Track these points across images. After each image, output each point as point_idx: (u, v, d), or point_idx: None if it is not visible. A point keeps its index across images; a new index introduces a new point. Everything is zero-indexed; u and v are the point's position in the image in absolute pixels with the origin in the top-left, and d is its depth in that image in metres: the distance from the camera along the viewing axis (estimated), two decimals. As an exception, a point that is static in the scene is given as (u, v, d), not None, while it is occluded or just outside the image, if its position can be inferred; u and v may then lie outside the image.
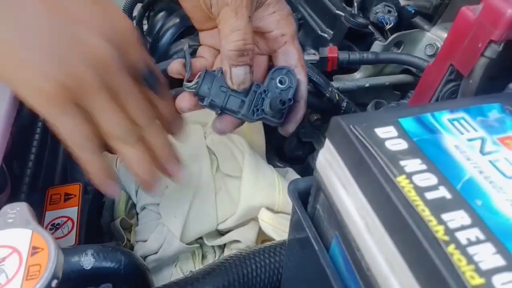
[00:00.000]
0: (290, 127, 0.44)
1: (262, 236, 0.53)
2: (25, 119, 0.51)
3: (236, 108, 0.41)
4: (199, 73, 0.40)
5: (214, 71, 0.41)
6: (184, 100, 0.42)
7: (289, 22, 0.41)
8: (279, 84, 0.41)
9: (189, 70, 0.41)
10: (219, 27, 0.38)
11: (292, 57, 0.42)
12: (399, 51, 0.64)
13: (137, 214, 0.56)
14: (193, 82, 0.40)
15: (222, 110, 0.41)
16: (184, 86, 0.41)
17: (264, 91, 0.41)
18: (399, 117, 0.23)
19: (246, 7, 0.37)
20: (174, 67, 0.42)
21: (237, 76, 0.39)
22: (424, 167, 0.20)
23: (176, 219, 0.50)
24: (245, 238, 0.51)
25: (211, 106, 0.41)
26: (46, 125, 0.55)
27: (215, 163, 0.55)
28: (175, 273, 0.52)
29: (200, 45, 0.45)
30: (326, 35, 0.68)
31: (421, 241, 0.17)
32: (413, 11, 0.64)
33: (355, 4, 0.68)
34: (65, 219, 0.49)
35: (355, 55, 0.60)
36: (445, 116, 0.23)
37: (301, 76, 0.43)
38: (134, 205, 0.57)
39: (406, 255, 0.18)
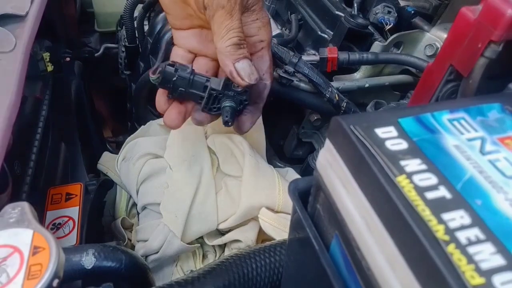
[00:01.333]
0: (245, 127, 0.46)
1: (262, 235, 0.53)
2: (26, 119, 0.52)
3: (197, 100, 0.44)
4: (159, 69, 0.42)
5: (172, 65, 0.43)
6: (171, 118, 0.45)
7: (268, 30, 0.44)
8: (234, 88, 0.43)
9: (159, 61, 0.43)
10: (213, 28, 0.40)
11: (265, 63, 0.45)
12: (399, 51, 0.64)
13: (138, 213, 0.57)
14: (156, 76, 0.42)
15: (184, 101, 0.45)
16: (149, 77, 0.43)
17: (220, 93, 0.43)
18: (399, 117, 0.23)
19: (239, 10, 0.39)
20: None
21: (243, 69, 0.40)
22: (424, 167, 0.20)
23: (177, 219, 0.50)
24: (245, 238, 0.51)
25: (173, 97, 0.44)
26: (47, 125, 0.56)
27: (216, 163, 0.55)
28: (176, 273, 0.53)
29: (173, 44, 0.47)
30: (326, 36, 0.68)
31: (421, 241, 0.17)
32: (412, 12, 0.64)
33: (355, 5, 0.68)
34: (66, 218, 0.49)
35: (355, 56, 0.60)
36: (445, 116, 0.23)
37: (268, 82, 0.46)
38: (135, 205, 0.58)
39: (406, 255, 0.18)
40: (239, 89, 0.43)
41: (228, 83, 0.43)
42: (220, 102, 0.44)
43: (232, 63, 0.40)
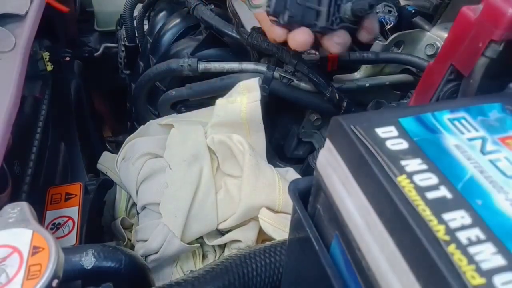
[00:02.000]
0: (367, 36, 0.42)
1: (262, 235, 0.53)
2: (26, 118, 0.52)
3: (313, 21, 0.39)
4: None
5: None
6: (301, 34, 0.40)
7: None
8: None
9: None
10: None
11: None
12: (399, 51, 0.64)
13: (138, 213, 0.57)
14: (264, 0, 0.38)
15: (301, 25, 0.39)
16: (250, 7, 0.39)
17: None
18: (400, 117, 0.23)
19: None
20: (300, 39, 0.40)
21: None
22: (424, 167, 0.20)
23: (177, 219, 0.50)
24: (245, 238, 0.51)
25: (290, 22, 0.39)
26: (46, 124, 0.56)
27: (216, 163, 0.55)
28: (176, 273, 0.53)
29: None
30: (326, 35, 0.68)
31: (422, 241, 0.17)
32: (413, 11, 0.64)
33: (356, 4, 0.68)
34: (65, 218, 0.49)
35: (355, 55, 0.60)
36: (446, 116, 0.23)
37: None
38: (134, 205, 0.58)
39: (406, 255, 0.18)
40: None
41: None
42: (339, 10, 0.38)
43: None
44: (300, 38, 0.40)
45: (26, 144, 0.51)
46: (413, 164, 0.20)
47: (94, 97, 0.93)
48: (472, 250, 0.17)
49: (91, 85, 0.89)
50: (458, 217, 0.18)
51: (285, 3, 0.38)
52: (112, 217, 0.60)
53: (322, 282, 0.24)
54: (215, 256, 0.54)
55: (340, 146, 0.23)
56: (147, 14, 0.82)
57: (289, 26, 0.39)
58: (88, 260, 0.37)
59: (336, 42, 0.41)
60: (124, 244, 0.55)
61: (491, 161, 0.21)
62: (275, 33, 0.41)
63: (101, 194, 0.58)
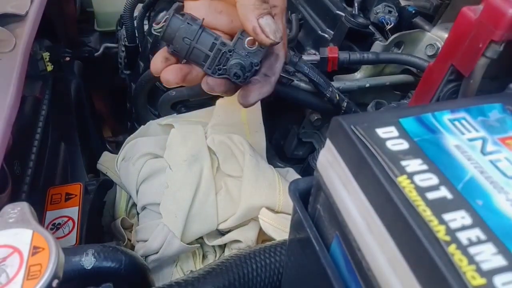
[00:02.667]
0: (251, 97, 0.42)
1: (262, 236, 0.53)
2: (26, 118, 0.52)
3: (200, 61, 0.40)
4: (165, 17, 0.39)
5: (182, 14, 0.39)
6: (170, 72, 0.41)
7: None
8: (247, 45, 0.39)
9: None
10: None
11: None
12: (400, 51, 0.64)
13: (138, 214, 0.56)
14: (159, 26, 0.39)
15: (186, 59, 0.40)
16: (152, 28, 0.40)
17: (230, 50, 0.39)
18: (400, 117, 0.23)
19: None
20: (156, 67, 0.41)
21: (269, 25, 0.37)
22: (425, 167, 0.20)
23: (177, 219, 0.50)
24: (245, 238, 0.51)
25: (174, 53, 0.40)
26: (46, 124, 0.55)
27: (216, 163, 0.55)
28: (176, 273, 0.53)
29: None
30: (326, 35, 0.68)
31: (422, 241, 0.17)
32: (413, 11, 0.64)
33: (356, 4, 0.68)
34: (65, 219, 0.49)
35: (356, 55, 0.60)
36: (446, 116, 0.23)
37: (280, 53, 0.42)
38: (134, 205, 0.58)
39: (407, 255, 0.18)
40: (253, 48, 0.39)
41: (242, 37, 0.39)
42: (227, 62, 0.40)
43: (256, 18, 0.37)
44: (166, 76, 0.41)
45: (26, 144, 0.51)
46: (413, 164, 0.20)
47: (94, 97, 0.93)
48: (472, 250, 0.17)
49: (91, 85, 0.89)
50: (458, 218, 0.18)
51: (173, 37, 0.39)
52: (112, 217, 0.60)
53: (322, 282, 0.24)
54: (215, 256, 0.54)
55: (340, 146, 0.23)
56: (147, 14, 0.82)
57: (175, 55, 0.41)
58: (88, 260, 0.37)
59: (208, 83, 0.42)
60: (124, 244, 0.55)
61: (491, 162, 0.21)
62: (152, 63, 0.41)
63: (101, 194, 0.58)
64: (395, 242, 0.19)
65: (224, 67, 0.40)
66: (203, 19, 0.40)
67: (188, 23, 0.38)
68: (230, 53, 0.40)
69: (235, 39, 0.40)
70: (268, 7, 0.38)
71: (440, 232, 0.17)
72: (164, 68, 0.41)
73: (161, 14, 0.40)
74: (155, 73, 0.41)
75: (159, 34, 0.39)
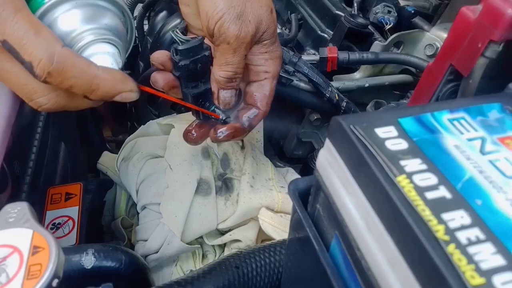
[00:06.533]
0: (212, 135, 0.46)
1: (262, 235, 0.53)
2: (26, 118, 0.52)
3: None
4: (194, 36, 0.41)
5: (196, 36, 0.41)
6: (162, 76, 0.43)
7: (276, 63, 0.44)
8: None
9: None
10: (216, 54, 0.41)
11: (263, 92, 0.45)
12: (399, 51, 0.64)
13: (138, 213, 0.56)
14: (186, 37, 0.41)
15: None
16: (174, 31, 0.42)
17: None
18: (399, 117, 0.23)
19: (245, 48, 0.40)
20: (157, 56, 0.43)
21: (224, 97, 0.43)
22: (424, 167, 0.20)
23: (177, 219, 0.50)
24: (245, 238, 0.51)
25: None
26: (46, 124, 0.55)
27: (216, 163, 0.55)
28: (176, 273, 0.53)
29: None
30: (326, 35, 0.68)
31: (421, 241, 0.17)
32: (412, 11, 0.64)
33: (355, 4, 0.68)
34: (65, 218, 0.49)
35: (355, 55, 0.60)
36: (445, 116, 0.23)
37: (259, 111, 0.45)
38: (134, 205, 0.58)
39: (406, 255, 0.18)
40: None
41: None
42: (207, 103, 0.44)
43: (218, 89, 0.42)
44: (157, 76, 0.43)
45: (26, 144, 0.51)
46: (412, 164, 0.20)
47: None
48: (471, 250, 0.17)
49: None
50: (457, 217, 0.18)
51: (176, 65, 0.42)
52: (112, 217, 0.60)
53: (322, 282, 0.24)
54: (215, 256, 0.54)
55: (339, 146, 0.23)
56: (147, 14, 0.82)
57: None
58: (88, 260, 0.37)
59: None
60: (124, 244, 0.55)
61: (490, 161, 0.21)
62: (159, 52, 0.44)
63: (101, 194, 0.58)
64: (394, 241, 0.19)
65: (206, 104, 0.45)
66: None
67: (207, 54, 0.41)
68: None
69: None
70: (235, 85, 0.42)
71: (439, 231, 0.17)
72: (163, 62, 0.43)
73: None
74: (153, 59, 0.43)
75: (179, 43, 0.41)
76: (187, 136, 0.47)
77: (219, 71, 0.41)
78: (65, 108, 0.36)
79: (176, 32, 0.41)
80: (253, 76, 0.44)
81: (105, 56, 0.36)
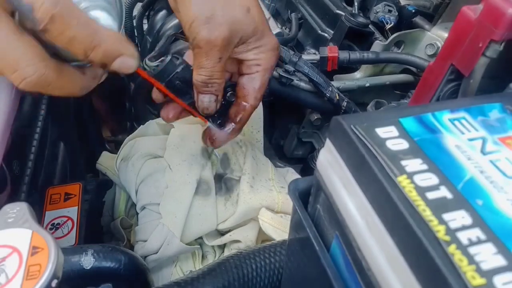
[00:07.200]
0: (216, 142, 0.48)
1: (262, 236, 0.53)
2: (25, 118, 0.51)
3: (186, 100, 0.45)
4: (162, 58, 0.42)
5: (176, 58, 0.42)
6: (168, 109, 0.46)
7: (268, 56, 0.44)
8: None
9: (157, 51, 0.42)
10: (193, 58, 0.41)
11: (253, 86, 0.45)
12: (400, 50, 0.64)
13: (137, 214, 0.56)
14: (154, 64, 0.42)
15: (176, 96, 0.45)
16: (144, 61, 0.42)
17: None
18: (400, 117, 0.23)
19: (219, 50, 0.40)
20: (156, 97, 0.45)
21: (202, 102, 0.43)
22: (425, 167, 0.20)
23: (177, 219, 0.50)
24: (245, 238, 0.51)
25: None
26: (45, 124, 0.55)
27: (216, 163, 0.55)
28: (175, 273, 0.52)
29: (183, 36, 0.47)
30: (326, 35, 0.68)
31: (422, 241, 0.17)
32: (413, 11, 0.64)
33: (356, 4, 0.68)
34: (65, 219, 0.49)
35: (356, 55, 0.60)
36: (446, 116, 0.23)
37: (247, 104, 0.46)
38: (134, 205, 0.57)
39: (407, 255, 0.18)
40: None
41: (225, 90, 0.44)
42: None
43: (197, 93, 0.43)
44: (165, 113, 0.46)
45: (25, 144, 0.51)
46: (413, 164, 0.20)
47: (93, 96, 0.93)
48: (472, 250, 0.17)
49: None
50: (458, 217, 0.18)
51: (165, 78, 0.42)
52: (111, 217, 0.60)
53: (322, 283, 0.24)
54: (215, 256, 0.54)
55: (340, 146, 0.23)
56: (146, 14, 0.82)
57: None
58: (87, 260, 0.37)
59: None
60: (124, 244, 0.55)
61: (491, 161, 0.21)
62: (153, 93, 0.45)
63: (100, 194, 0.57)
64: (395, 242, 0.19)
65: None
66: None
67: (182, 69, 0.42)
68: None
69: None
70: (212, 90, 0.42)
71: (440, 232, 0.17)
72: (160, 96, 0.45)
73: (156, 50, 0.43)
74: (155, 99, 0.46)
75: (151, 70, 0.42)
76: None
77: (195, 75, 0.42)
78: (51, 87, 0.31)
79: (145, 62, 0.42)
80: (245, 69, 0.45)
81: (105, 18, 0.35)
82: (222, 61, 0.41)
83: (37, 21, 0.28)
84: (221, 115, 0.46)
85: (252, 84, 0.45)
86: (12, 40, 0.28)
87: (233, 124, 0.47)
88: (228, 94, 0.45)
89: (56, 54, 0.32)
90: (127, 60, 0.33)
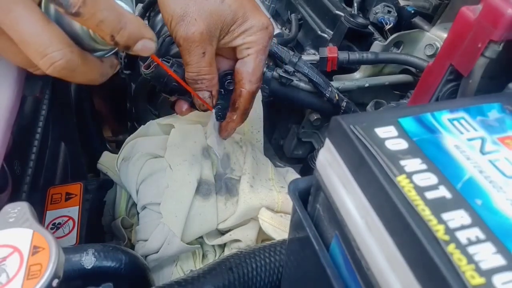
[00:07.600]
0: (223, 133, 0.50)
1: (262, 235, 0.53)
2: (26, 118, 0.52)
3: (186, 99, 0.47)
4: (153, 65, 0.43)
5: (169, 59, 0.43)
6: (181, 104, 0.47)
7: (258, 36, 0.43)
8: (226, 86, 0.46)
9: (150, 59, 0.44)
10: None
11: (246, 69, 0.44)
12: (399, 51, 0.64)
13: (138, 213, 0.56)
14: (149, 71, 0.43)
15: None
16: (141, 71, 0.44)
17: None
18: (399, 117, 0.23)
19: (199, 45, 0.40)
20: (181, 107, 0.47)
21: (196, 99, 0.44)
22: (424, 166, 0.20)
23: (177, 219, 0.50)
24: (245, 238, 0.51)
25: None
26: (46, 124, 0.56)
27: (216, 163, 0.55)
28: (176, 272, 0.53)
29: None
30: (325, 35, 0.68)
31: (421, 241, 0.17)
32: (412, 11, 0.64)
33: (355, 4, 0.68)
34: (66, 218, 0.49)
35: (355, 55, 0.60)
36: (445, 116, 0.23)
37: (243, 89, 0.45)
38: (135, 205, 0.58)
39: (406, 255, 0.18)
40: (231, 88, 0.46)
41: (223, 79, 0.45)
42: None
43: (193, 87, 0.44)
44: (178, 108, 0.48)
45: (26, 144, 0.51)
46: (412, 164, 0.20)
47: (94, 97, 0.92)
48: (471, 249, 0.17)
49: (91, 85, 0.88)
50: (457, 217, 0.18)
51: (162, 80, 0.44)
52: (112, 217, 0.60)
53: (322, 282, 0.24)
54: (215, 255, 0.54)
55: (339, 146, 0.23)
56: (147, 14, 0.82)
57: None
58: (88, 259, 0.37)
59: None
60: (124, 244, 0.55)
61: (490, 161, 0.21)
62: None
63: (101, 194, 0.58)
64: (394, 241, 0.19)
65: None
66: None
67: (174, 69, 0.43)
68: None
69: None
70: (203, 87, 0.43)
71: (439, 231, 0.17)
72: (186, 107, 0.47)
73: (149, 60, 0.45)
74: (179, 112, 0.48)
75: (149, 77, 0.43)
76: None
77: (185, 73, 0.42)
78: (75, 72, 0.32)
79: (143, 69, 0.43)
80: (238, 54, 0.45)
81: (123, 4, 0.36)
82: (207, 56, 0.41)
83: (70, 5, 0.29)
84: (225, 105, 0.47)
85: (246, 68, 0.44)
86: (41, 27, 0.29)
87: (233, 112, 0.47)
88: (226, 83, 0.45)
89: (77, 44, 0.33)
90: (147, 43, 0.34)
